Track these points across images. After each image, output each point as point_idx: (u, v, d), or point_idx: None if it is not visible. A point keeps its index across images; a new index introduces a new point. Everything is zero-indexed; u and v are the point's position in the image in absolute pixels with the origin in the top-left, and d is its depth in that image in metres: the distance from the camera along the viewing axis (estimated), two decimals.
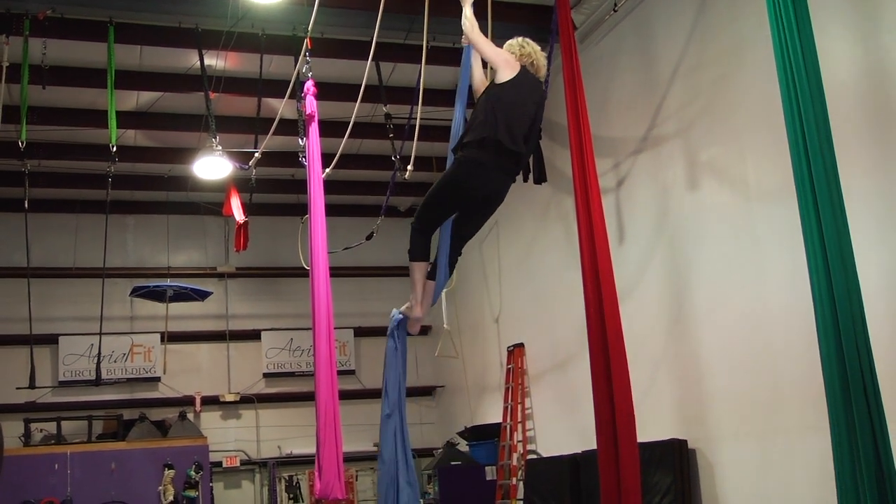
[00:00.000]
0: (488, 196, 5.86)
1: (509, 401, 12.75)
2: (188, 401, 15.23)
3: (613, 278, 7.56)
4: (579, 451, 10.39)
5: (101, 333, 12.60)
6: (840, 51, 7.01)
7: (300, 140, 8.70)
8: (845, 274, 5.44)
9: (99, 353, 12.77)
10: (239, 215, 12.28)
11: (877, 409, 5.28)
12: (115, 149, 10.24)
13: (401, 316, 6.13)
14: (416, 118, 8.52)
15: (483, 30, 8.23)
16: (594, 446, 7.61)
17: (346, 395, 10.78)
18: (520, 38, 6.04)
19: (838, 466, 5.34)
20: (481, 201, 5.87)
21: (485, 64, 6.21)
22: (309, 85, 7.73)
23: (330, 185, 8.05)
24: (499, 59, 5.79)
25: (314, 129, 7.72)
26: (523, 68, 5.85)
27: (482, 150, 5.64)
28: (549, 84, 10.25)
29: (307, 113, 7.71)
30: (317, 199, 7.54)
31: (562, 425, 11.61)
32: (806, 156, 5.64)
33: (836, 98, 6.33)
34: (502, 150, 5.64)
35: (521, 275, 13.08)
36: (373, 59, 8.17)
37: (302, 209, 9.13)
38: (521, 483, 11.99)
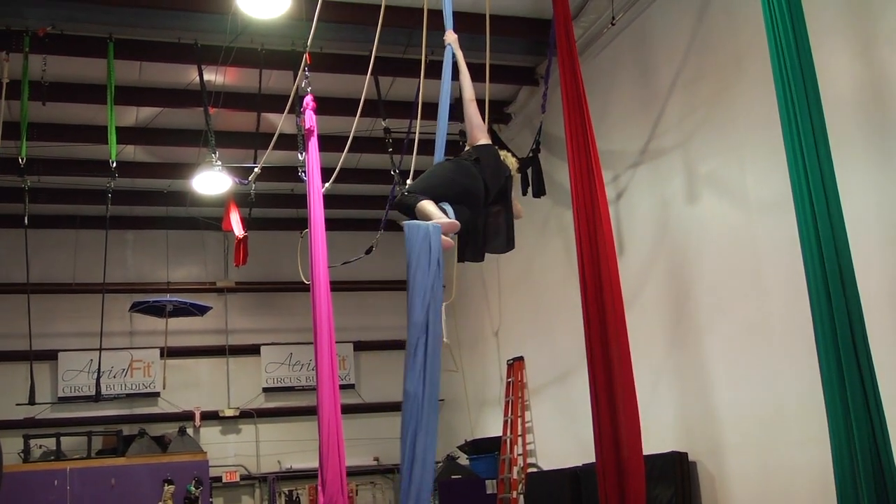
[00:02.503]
0: (457, 172, 5.90)
1: (509, 414, 12.74)
2: (188, 416, 15.21)
3: (621, 290, 7.51)
4: (580, 465, 10.36)
5: (100, 349, 12.62)
6: (838, 63, 7.03)
7: (299, 155, 8.72)
8: (844, 285, 5.43)
9: (98, 369, 12.78)
10: (238, 230, 12.28)
11: (878, 419, 5.26)
12: (114, 164, 10.29)
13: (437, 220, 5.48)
14: (414, 132, 8.55)
15: (481, 44, 8.30)
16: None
17: (346, 410, 10.68)
18: None
19: (839, 478, 5.32)
20: (452, 179, 5.85)
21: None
22: (308, 100, 7.75)
23: (329, 200, 8.06)
24: (483, 125, 6.42)
25: (314, 143, 7.74)
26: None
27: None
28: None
29: (307, 128, 7.74)
30: (317, 213, 7.57)
31: (562, 438, 11.59)
32: (804, 167, 5.64)
33: (833, 109, 6.34)
34: (478, 163, 6.02)
35: (521, 288, 13.07)
36: (371, 74, 8.21)
37: (301, 224, 9.14)
38: (522, 497, 11.95)
